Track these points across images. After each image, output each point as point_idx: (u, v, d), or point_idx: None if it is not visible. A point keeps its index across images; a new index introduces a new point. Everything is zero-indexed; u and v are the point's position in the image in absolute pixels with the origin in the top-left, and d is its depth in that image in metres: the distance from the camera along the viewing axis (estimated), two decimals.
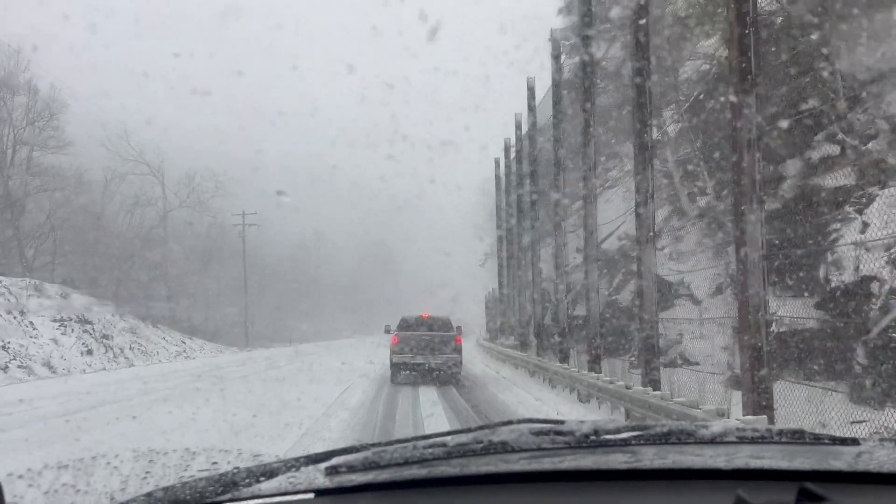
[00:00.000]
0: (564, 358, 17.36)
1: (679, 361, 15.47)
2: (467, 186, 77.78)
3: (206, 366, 25.85)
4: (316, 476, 1.62)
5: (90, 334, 27.66)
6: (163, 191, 61.25)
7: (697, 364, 14.79)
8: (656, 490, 1.49)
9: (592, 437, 1.71)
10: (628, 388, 10.87)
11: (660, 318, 17.56)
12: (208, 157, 62.33)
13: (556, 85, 18.00)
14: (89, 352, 26.47)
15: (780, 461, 1.61)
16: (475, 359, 32.96)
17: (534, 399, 14.75)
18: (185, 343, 36.89)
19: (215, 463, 2.58)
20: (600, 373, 14.00)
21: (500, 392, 16.55)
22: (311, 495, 1.50)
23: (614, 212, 24.66)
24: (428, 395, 16.05)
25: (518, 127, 24.79)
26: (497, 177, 31.86)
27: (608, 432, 1.75)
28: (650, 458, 1.60)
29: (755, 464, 1.54)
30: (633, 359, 18.69)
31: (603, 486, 1.51)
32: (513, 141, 28.03)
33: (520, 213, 25.41)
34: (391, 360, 18.57)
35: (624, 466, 1.53)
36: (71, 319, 27.52)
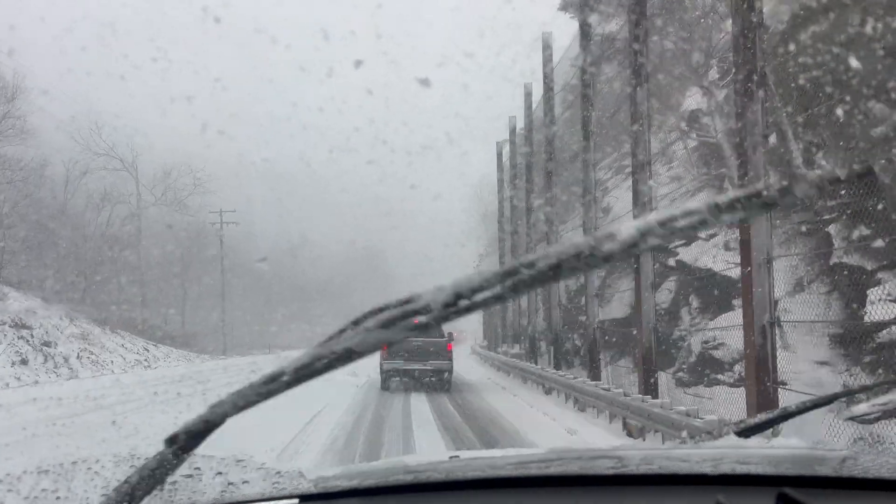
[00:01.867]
0: (595, 372, 13.63)
1: None
2: (460, 190, 74.97)
3: (144, 380, 21.81)
4: (301, 481, 1.60)
5: (27, 341, 23.75)
6: (136, 187, 57.36)
7: (784, 384, 11.18)
8: (642, 495, 1.47)
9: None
10: (729, 426, 7.12)
11: (720, 326, 13.92)
12: (188, 157, 58.52)
13: None
14: (23, 361, 22.57)
15: (766, 467, 1.59)
16: (473, 369, 29.19)
17: (567, 433, 11.01)
18: (147, 351, 32.97)
19: (198, 468, 1.73)
20: (657, 397, 10.29)
21: (513, 417, 12.88)
22: (296, 500, 1.46)
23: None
24: (422, 410, 12.40)
25: (527, 94, 21.06)
26: (499, 157, 28.13)
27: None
28: (636, 463, 1.58)
29: (740, 469, 1.53)
30: (680, 374, 15.00)
31: (589, 491, 1.48)
32: (518, 122, 24.41)
33: (528, 202, 21.69)
34: (381, 367, 18.26)
35: (610, 472, 1.52)
36: (4, 324, 23.63)
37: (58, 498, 1.68)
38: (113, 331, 32.39)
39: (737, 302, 14.03)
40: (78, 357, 25.97)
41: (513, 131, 24.21)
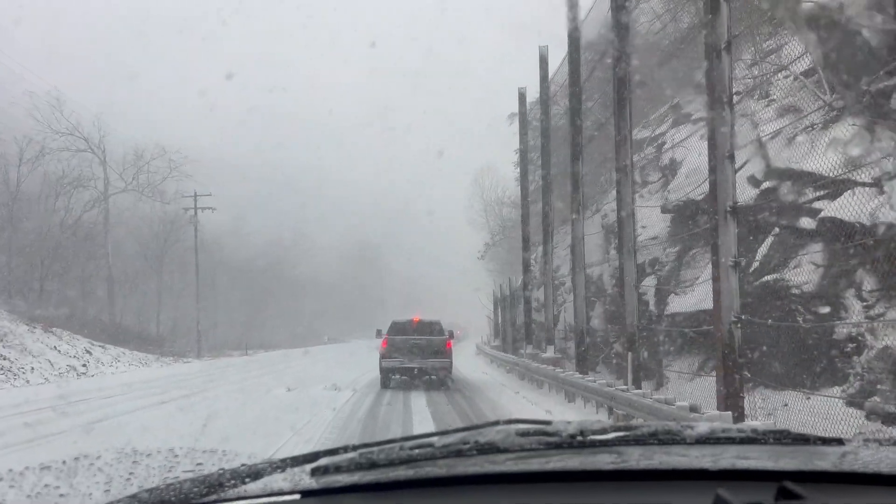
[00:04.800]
0: (734, 400, 7.86)
1: None
2: (460, 181, 69.90)
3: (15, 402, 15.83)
4: (302, 477, 1.58)
5: None
6: (104, 170, 51.33)
7: None
8: (642, 490, 1.47)
9: (579, 438, 1.69)
10: None
11: None
12: (165, 141, 52.63)
13: None
14: None
15: (766, 461, 1.58)
16: (488, 372, 23.41)
17: None
18: (89, 353, 27.12)
19: (200, 464, 1.98)
20: None
21: None
22: (297, 496, 1.46)
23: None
24: None
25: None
26: (521, 98, 22.32)
27: (595, 433, 1.73)
28: (636, 458, 1.56)
29: (740, 464, 1.51)
30: (849, 390, 9.22)
31: (589, 486, 1.48)
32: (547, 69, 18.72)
33: (575, 151, 15.94)
34: (381, 365, 18.55)
35: (610, 467, 1.51)
36: None
37: (61, 494, 1.69)
38: (46, 330, 26.54)
39: None
40: None
41: (542, 57, 18.31)
